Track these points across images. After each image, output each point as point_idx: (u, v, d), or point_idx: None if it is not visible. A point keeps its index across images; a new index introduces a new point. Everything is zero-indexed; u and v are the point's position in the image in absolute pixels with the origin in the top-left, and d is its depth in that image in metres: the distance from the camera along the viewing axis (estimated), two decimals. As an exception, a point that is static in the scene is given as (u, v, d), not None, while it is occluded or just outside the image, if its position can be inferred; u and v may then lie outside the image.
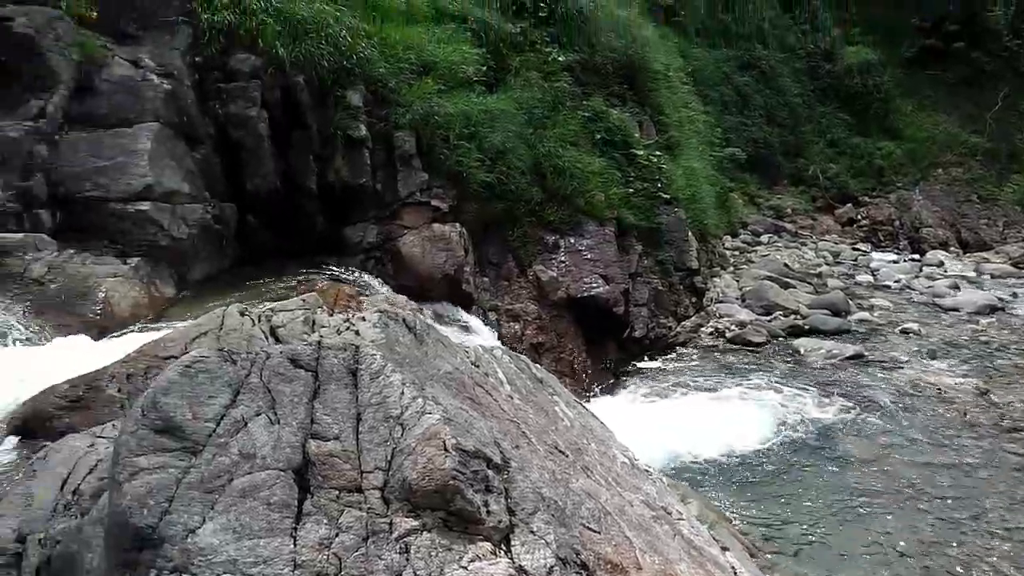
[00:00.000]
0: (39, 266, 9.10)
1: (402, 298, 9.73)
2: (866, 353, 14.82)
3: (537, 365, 6.44)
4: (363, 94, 12.17)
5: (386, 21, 13.33)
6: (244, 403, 3.45)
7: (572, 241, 13.81)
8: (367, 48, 12.37)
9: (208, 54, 11.55)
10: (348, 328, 4.53)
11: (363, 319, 4.43)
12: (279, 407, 3.47)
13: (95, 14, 11.24)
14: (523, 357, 6.35)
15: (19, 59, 10.03)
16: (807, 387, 12.97)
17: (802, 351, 15.04)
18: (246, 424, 3.40)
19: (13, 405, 6.57)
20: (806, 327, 16.44)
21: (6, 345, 8.17)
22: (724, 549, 5.39)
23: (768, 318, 16.91)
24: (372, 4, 13.45)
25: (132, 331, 8.64)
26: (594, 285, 13.55)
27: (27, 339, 8.39)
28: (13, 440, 6.30)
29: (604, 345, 13.97)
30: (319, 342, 3.67)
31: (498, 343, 10.64)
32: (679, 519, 5.20)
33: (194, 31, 11.63)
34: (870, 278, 22.40)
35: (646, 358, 14.67)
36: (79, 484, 4.25)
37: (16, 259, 9.06)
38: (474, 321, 11.57)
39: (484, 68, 14.16)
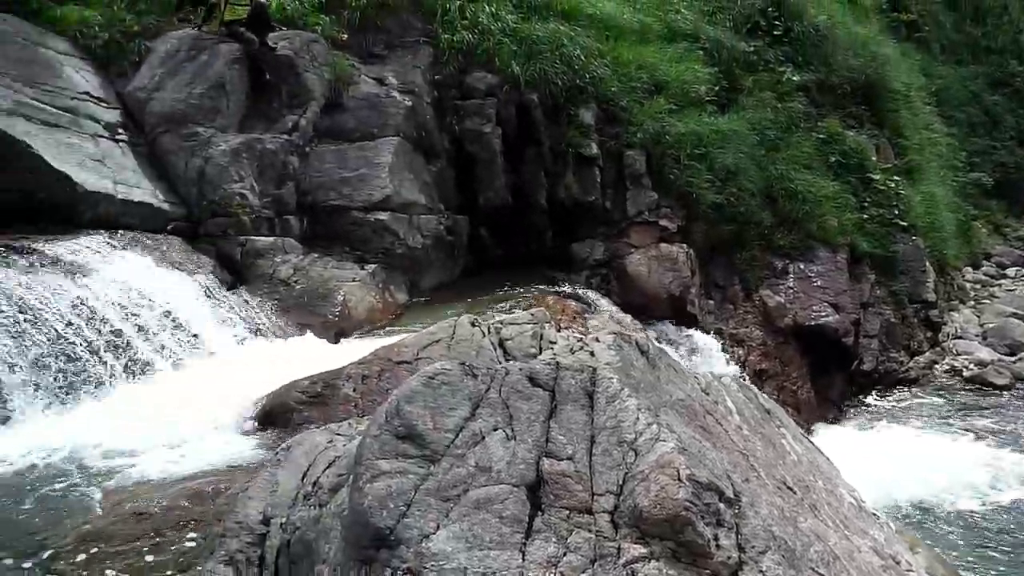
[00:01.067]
0: (286, 268, 9.74)
1: (627, 317, 9.73)
2: None
3: (764, 395, 6.26)
4: (595, 112, 12.30)
5: (619, 40, 13.39)
6: (483, 417, 3.53)
7: (801, 267, 13.36)
8: (600, 67, 12.49)
9: (447, 72, 12.05)
10: (582, 348, 4.55)
11: (597, 340, 4.45)
12: (516, 423, 3.53)
13: (346, 36, 11.98)
14: (751, 386, 6.19)
15: (280, 78, 10.84)
16: (1060, 439, 11.89)
17: (1053, 398, 13.83)
18: (483, 438, 3.48)
19: (257, 393, 7.06)
20: (1059, 371, 15.12)
21: (256, 338, 8.80)
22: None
23: (1013, 359, 15.66)
24: (606, 23, 13.56)
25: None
26: (823, 313, 13.05)
27: (274, 334, 9.00)
28: (260, 426, 6.77)
29: (830, 376, 13.42)
30: (558, 363, 3.70)
31: (733, 368, 10.42)
32: (908, 571, 4.91)
33: (434, 51, 12.19)
34: None
35: (874, 393, 13.95)
36: (318, 477, 4.44)
37: (267, 260, 9.76)
38: (709, 343, 11.37)
39: (716, 88, 13.96)
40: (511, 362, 4.19)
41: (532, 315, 7.10)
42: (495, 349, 6.56)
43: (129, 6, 11.71)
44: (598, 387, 3.67)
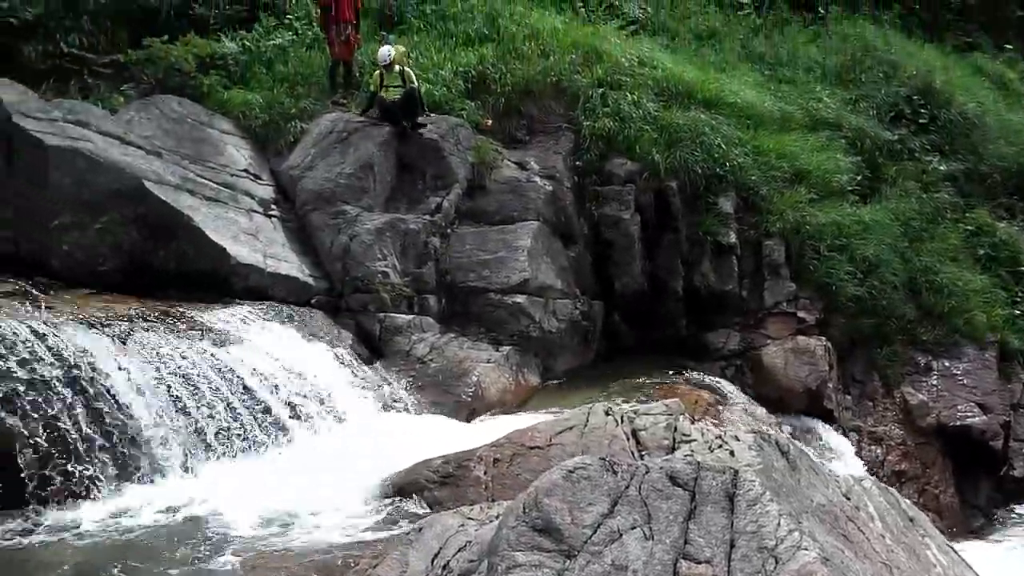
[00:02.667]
0: (423, 346, 9.95)
1: (761, 410, 9.52)
2: None
3: (907, 501, 6.01)
4: (734, 200, 12.22)
5: (760, 128, 13.34)
6: (621, 514, 3.52)
7: (946, 363, 12.78)
8: (740, 155, 12.44)
9: (587, 158, 12.20)
10: (721, 446, 4.50)
11: (736, 438, 4.39)
12: (654, 523, 3.50)
13: (490, 122, 12.31)
14: (892, 490, 5.96)
15: (425, 161, 11.20)
16: None
17: None
18: (621, 536, 3.47)
19: (389, 468, 7.17)
20: None
21: (391, 413, 8.98)
22: None
23: None
24: (746, 112, 13.54)
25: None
26: (969, 413, 12.42)
27: (408, 410, 9.18)
28: (391, 501, 6.84)
29: (975, 481, 12.69)
30: (698, 462, 3.67)
31: (863, 471, 10.03)
32: None
33: (576, 137, 12.37)
34: None
35: (1026, 502, 13.13)
36: (449, 560, 4.48)
37: (404, 337, 10.00)
38: (841, 443, 10.99)
39: (858, 177, 13.68)
40: (651, 459, 4.17)
41: (666, 406, 7.04)
42: (628, 439, 6.52)
43: (288, 90, 12.41)
44: (739, 489, 3.62)
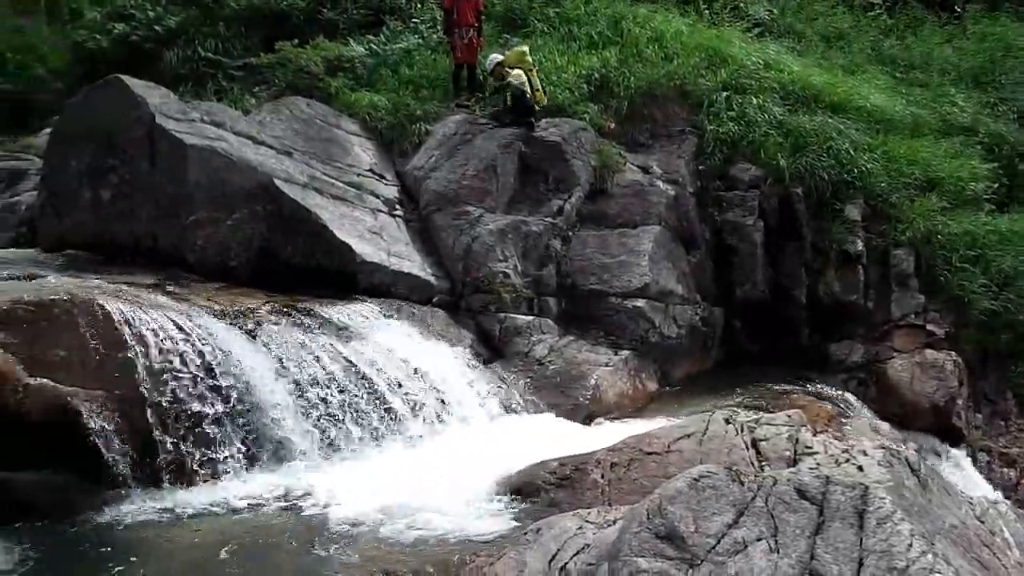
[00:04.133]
0: (542, 348, 9.98)
1: (885, 425, 9.23)
2: None
3: (1045, 527, 5.76)
4: (861, 208, 11.90)
5: (890, 134, 12.97)
6: (747, 525, 3.48)
7: (1088, 383, 12.20)
8: (869, 161, 12.10)
9: (711, 163, 12.09)
10: (848, 461, 4.39)
11: (864, 453, 4.28)
12: (781, 536, 3.45)
13: (613, 125, 12.30)
14: (1029, 515, 5.72)
15: (547, 163, 11.25)
16: None
17: None
18: (746, 547, 3.42)
19: (506, 468, 7.20)
20: None
21: (508, 413, 9.06)
22: None
23: None
24: (876, 116, 13.19)
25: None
26: (1111, 437, 11.83)
27: (525, 411, 9.23)
28: (508, 501, 6.89)
29: (1118, 509, 12.08)
30: (827, 476, 3.60)
31: (994, 494, 9.63)
32: None
33: (699, 141, 12.26)
34: None
35: None
36: (566, 562, 4.48)
37: (524, 339, 10.04)
38: (969, 464, 10.57)
39: (995, 185, 13.15)
40: (777, 470, 4.10)
41: (788, 417, 6.90)
42: (747, 449, 6.41)
43: (413, 92, 12.65)
44: (869, 506, 3.53)
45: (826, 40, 16.33)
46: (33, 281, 8.05)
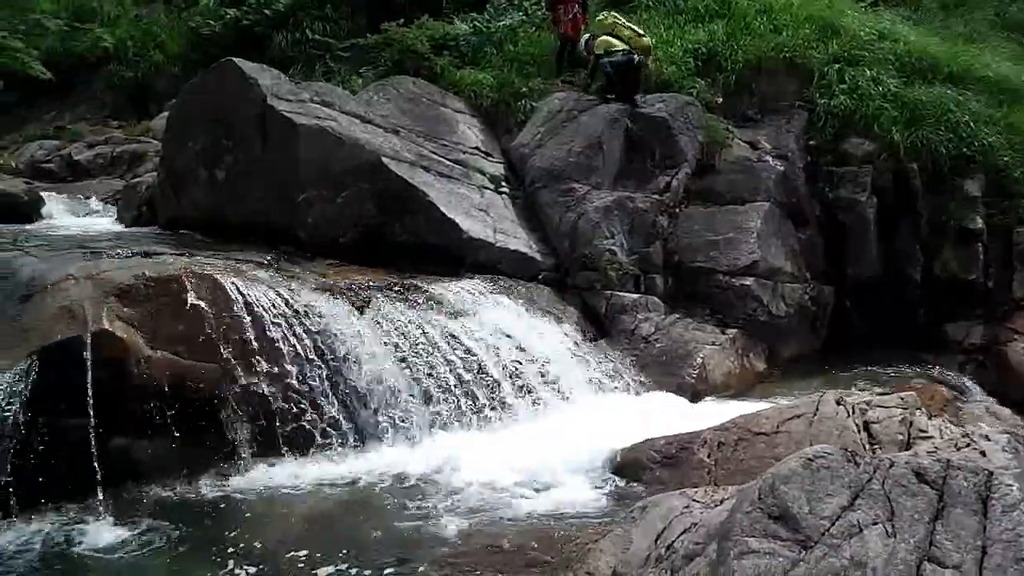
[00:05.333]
0: (648, 326, 9.91)
1: (1005, 411, 8.85)
2: None
3: None
4: (982, 183, 11.42)
5: (1014, 105, 12.37)
6: (862, 508, 3.40)
7: None
8: (991, 134, 11.59)
9: (821, 138, 11.76)
10: (969, 445, 4.23)
11: (987, 438, 4.11)
12: (897, 520, 3.36)
13: (720, 100, 12.08)
14: None
15: (654, 139, 11.12)
16: None
17: None
18: (861, 530, 3.34)
19: (611, 446, 7.23)
20: None
21: (614, 391, 9.06)
22: None
23: None
24: (1000, 87, 12.62)
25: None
26: None
27: (631, 389, 9.21)
28: (612, 479, 6.93)
29: None
30: (948, 460, 3.49)
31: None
32: None
33: (809, 116, 11.94)
34: None
35: None
36: (673, 541, 4.45)
37: (630, 316, 9.99)
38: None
39: None
40: (893, 453, 3.99)
41: (902, 399, 6.71)
42: (859, 432, 6.28)
43: (518, 70, 12.63)
44: (994, 493, 3.41)
45: (944, 8, 15.71)
46: (153, 258, 8.34)
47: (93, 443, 6.39)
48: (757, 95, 12.36)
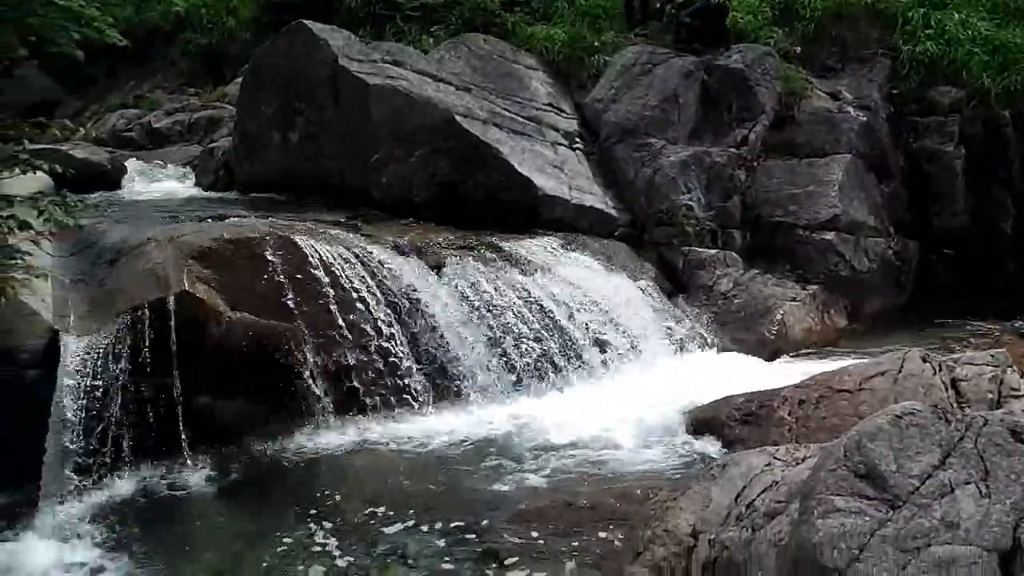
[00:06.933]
0: (726, 281, 9.78)
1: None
2: None
3: None
4: (1079, 132, 10.95)
5: None
6: (953, 467, 3.28)
7: None
8: (1093, 78, 11.07)
9: (906, 87, 11.36)
10: (1066, 402, 4.08)
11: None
12: (992, 480, 3.23)
13: (799, 49, 11.74)
14: None
15: (730, 92, 10.87)
16: None
17: None
18: (953, 490, 3.23)
19: (689, 403, 7.17)
20: None
21: (691, 348, 8.98)
22: None
23: None
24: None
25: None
26: None
27: (708, 345, 9.13)
28: (690, 436, 6.86)
29: None
30: (1050, 419, 3.35)
31: None
32: None
33: (893, 63, 11.53)
34: None
35: None
36: (753, 499, 4.38)
37: (708, 272, 9.88)
38: None
39: None
40: (986, 411, 3.85)
41: (992, 356, 6.48)
42: (946, 390, 6.09)
43: (589, 24, 12.44)
44: (1097, 455, 3.25)
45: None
46: (231, 221, 8.45)
47: (179, 402, 6.55)
48: (837, 43, 11.95)
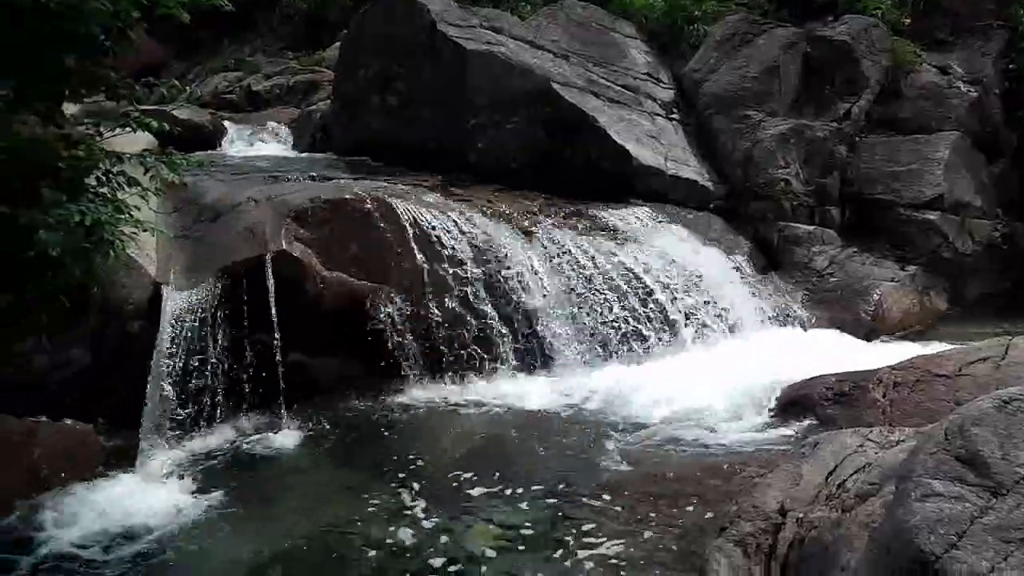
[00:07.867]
0: (822, 259, 9.61)
1: None
2: None
3: None
4: None
5: None
6: (1065, 456, 3.16)
7: None
8: None
9: (1022, 61, 10.91)
10: None
11: None
12: None
13: (909, 21, 11.35)
14: None
15: (833, 65, 10.59)
16: None
17: None
18: (1060, 479, 3.12)
19: (781, 380, 7.04)
20: None
21: (784, 325, 8.86)
22: None
23: None
24: None
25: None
26: None
27: (802, 323, 8.98)
28: (781, 414, 6.71)
29: None
30: None
31: None
32: None
33: (1009, 36, 11.10)
34: None
35: None
36: (844, 480, 4.31)
37: (803, 249, 9.71)
38: None
39: None
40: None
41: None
42: (1049, 377, 5.87)
43: (688, -7, 12.24)
44: None
45: None
46: (328, 182, 8.58)
47: (278, 358, 6.72)
48: (949, 15, 11.55)
